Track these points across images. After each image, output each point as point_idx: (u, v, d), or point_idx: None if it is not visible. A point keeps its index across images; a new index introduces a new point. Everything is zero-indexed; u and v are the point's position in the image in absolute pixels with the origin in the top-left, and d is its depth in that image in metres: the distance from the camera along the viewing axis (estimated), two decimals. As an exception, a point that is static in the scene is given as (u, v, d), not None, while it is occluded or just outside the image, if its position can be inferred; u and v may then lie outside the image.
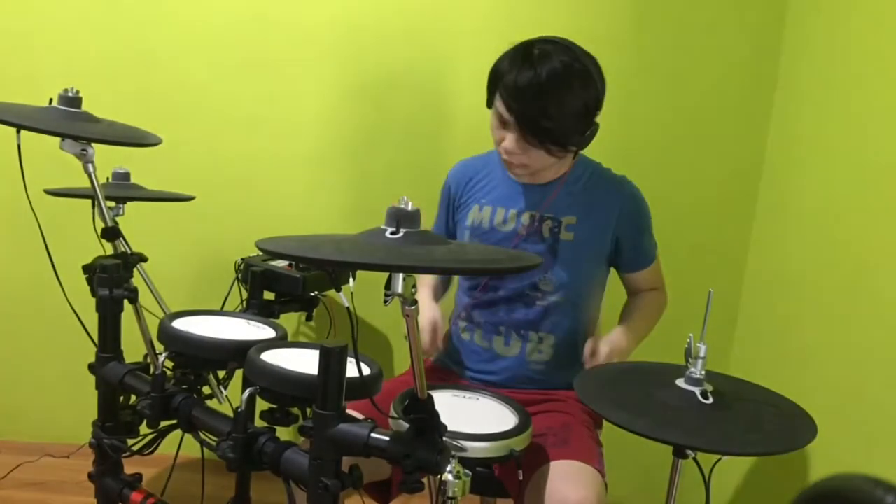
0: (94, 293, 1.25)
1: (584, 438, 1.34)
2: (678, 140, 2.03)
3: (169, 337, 1.16)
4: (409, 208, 0.84)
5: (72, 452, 2.17)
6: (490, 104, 1.39)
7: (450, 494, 0.99)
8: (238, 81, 2.07)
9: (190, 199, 1.73)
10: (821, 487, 0.55)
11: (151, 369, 1.25)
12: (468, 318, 1.53)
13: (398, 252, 0.81)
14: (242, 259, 1.82)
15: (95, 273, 1.23)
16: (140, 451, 1.26)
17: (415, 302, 0.85)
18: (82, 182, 1.26)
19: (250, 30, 2.04)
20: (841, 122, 1.63)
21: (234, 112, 2.08)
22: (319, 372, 0.90)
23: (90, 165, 1.23)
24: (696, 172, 2.04)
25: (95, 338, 1.28)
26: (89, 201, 1.32)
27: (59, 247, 1.32)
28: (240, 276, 1.81)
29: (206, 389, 1.25)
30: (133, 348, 1.31)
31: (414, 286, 0.84)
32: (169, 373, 1.18)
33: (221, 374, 1.31)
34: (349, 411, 0.94)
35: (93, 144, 1.22)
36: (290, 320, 2.13)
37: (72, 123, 1.22)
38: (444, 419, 0.94)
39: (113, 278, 1.23)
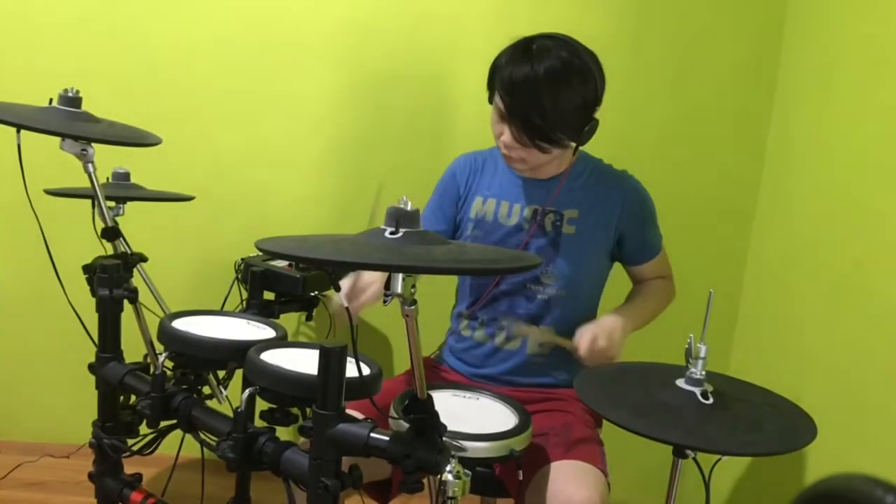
0: (94, 293, 1.25)
1: (585, 438, 1.34)
2: (678, 140, 2.03)
3: (169, 337, 1.16)
4: (409, 208, 0.84)
5: (72, 452, 2.17)
6: (491, 99, 1.39)
7: (450, 494, 0.99)
8: (238, 81, 2.06)
9: (190, 199, 1.72)
10: (820, 487, 0.55)
11: (151, 369, 1.24)
12: (471, 315, 1.53)
13: (398, 252, 0.81)
14: (242, 259, 1.82)
15: (95, 273, 1.23)
16: (140, 451, 1.26)
17: (414, 302, 0.85)
18: (82, 182, 1.26)
19: (250, 30, 2.04)
20: (841, 122, 1.63)
21: (234, 112, 2.08)
22: (319, 372, 0.90)
23: (90, 165, 1.23)
24: (696, 172, 2.04)
25: (95, 338, 1.28)
26: (89, 201, 1.32)
27: (59, 247, 1.32)
28: (240, 276, 1.81)
29: (206, 389, 1.25)
30: (133, 348, 1.31)
31: (413, 286, 0.84)
32: (169, 373, 1.18)
33: (221, 374, 1.31)
34: (349, 411, 0.94)
35: (93, 144, 1.22)
36: (290, 320, 2.12)
37: (72, 123, 1.22)
38: (444, 419, 0.94)
39: (113, 278, 1.23)
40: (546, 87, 1.29)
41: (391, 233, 0.83)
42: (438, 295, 1.66)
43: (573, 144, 1.41)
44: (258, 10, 2.03)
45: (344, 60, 2.05)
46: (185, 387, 1.17)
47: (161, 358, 1.14)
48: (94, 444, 1.29)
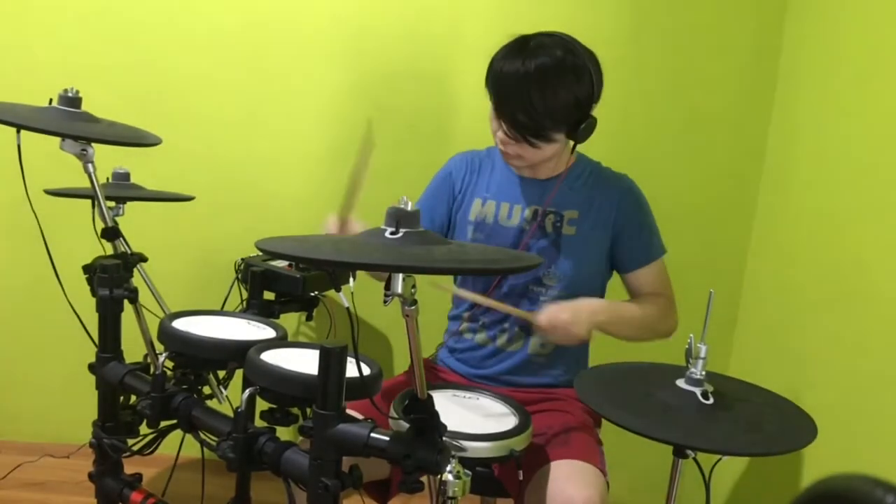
0: (94, 293, 1.25)
1: (585, 438, 1.34)
2: (678, 140, 2.03)
3: (169, 337, 1.16)
4: (409, 208, 0.84)
5: (72, 452, 2.17)
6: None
7: (450, 494, 0.99)
8: (238, 82, 2.07)
9: (190, 199, 1.73)
10: (821, 487, 0.55)
11: (151, 369, 1.24)
12: (472, 318, 1.52)
13: (397, 252, 0.81)
14: (242, 259, 1.82)
15: (95, 273, 1.23)
16: (140, 451, 1.26)
17: (415, 302, 0.85)
18: (82, 182, 1.26)
19: (250, 30, 2.04)
20: (841, 122, 1.63)
21: (235, 112, 2.08)
22: (319, 372, 0.90)
23: (90, 165, 1.23)
24: (696, 172, 2.04)
25: (95, 338, 1.28)
26: (89, 201, 1.32)
27: (59, 247, 1.32)
28: (240, 276, 1.81)
29: (206, 389, 1.25)
30: (133, 348, 1.31)
31: (414, 286, 0.84)
32: (169, 373, 1.18)
33: (221, 374, 1.31)
34: (349, 411, 0.94)
35: (93, 144, 1.22)
36: (290, 320, 2.12)
37: (72, 123, 1.22)
38: (444, 419, 0.94)
39: (113, 278, 1.23)
40: (535, 83, 1.29)
41: (391, 233, 0.83)
42: (439, 296, 1.66)
43: (569, 142, 1.41)
44: (258, 9, 2.03)
45: (344, 60, 2.05)
46: (185, 387, 1.17)
47: (161, 358, 1.14)
48: (94, 444, 1.29)
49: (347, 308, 0.90)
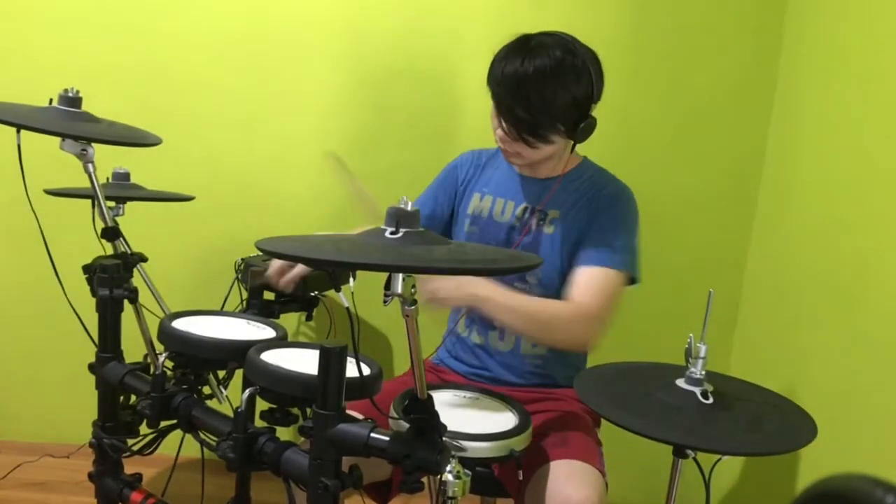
0: (94, 293, 1.25)
1: (584, 438, 1.34)
2: (678, 140, 2.03)
3: (169, 337, 1.16)
4: (409, 208, 0.84)
5: (72, 452, 2.17)
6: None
7: (450, 494, 0.99)
8: (238, 81, 2.06)
9: (190, 199, 1.73)
10: (821, 487, 0.55)
11: (151, 369, 1.24)
12: (468, 313, 1.53)
13: (397, 252, 0.81)
14: (242, 259, 1.82)
15: (95, 273, 1.23)
16: (140, 451, 1.26)
17: (415, 302, 0.85)
18: (82, 182, 1.26)
19: (250, 30, 2.04)
20: (841, 122, 1.63)
21: (235, 112, 2.08)
22: (319, 372, 0.90)
23: (90, 165, 1.23)
24: (696, 172, 2.04)
25: (95, 338, 1.28)
26: (89, 201, 1.32)
27: (59, 247, 1.32)
28: (240, 276, 1.81)
29: (206, 389, 1.25)
30: (133, 348, 1.31)
31: (414, 286, 0.84)
32: (169, 373, 1.18)
33: (221, 374, 1.31)
34: (349, 411, 0.94)
35: (93, 144, 1.22)
36: (290, 320, 2.12)
37: (72, 123, 1.22)
38: (444, 419, 0.94)
39: (113, 278, 1.23)
40: (534, 83, 1.30)
41: (391, 233, 0.83)
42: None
43: (569, 142, 1.41)
44: (258, 9, 2.03)
45: (344, 60, 2.05)
46: (185, 387, 1.17)
47: (161, 358, 1.14)
48: (94, 444, 1.29)
49: (347, 308, 0.90)
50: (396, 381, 1.53)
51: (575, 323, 1.32)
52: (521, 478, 1.17)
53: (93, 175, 1.23)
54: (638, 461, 1.89)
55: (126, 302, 1.25)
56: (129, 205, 1.54)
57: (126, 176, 1.63)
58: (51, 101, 1.25)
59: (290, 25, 2.03)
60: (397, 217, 0.83)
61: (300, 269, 1.51)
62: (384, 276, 0.82)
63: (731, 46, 1.97)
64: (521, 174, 1.50)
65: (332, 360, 0.89)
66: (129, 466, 1.33)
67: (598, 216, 1.41)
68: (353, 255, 0.80)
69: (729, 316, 2.08)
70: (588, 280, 1.35)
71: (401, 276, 0.82)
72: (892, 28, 1.45)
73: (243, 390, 1.02)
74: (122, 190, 1.59)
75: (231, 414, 1.03)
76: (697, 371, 1.14)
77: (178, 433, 1.21)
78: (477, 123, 1.91)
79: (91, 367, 1.29)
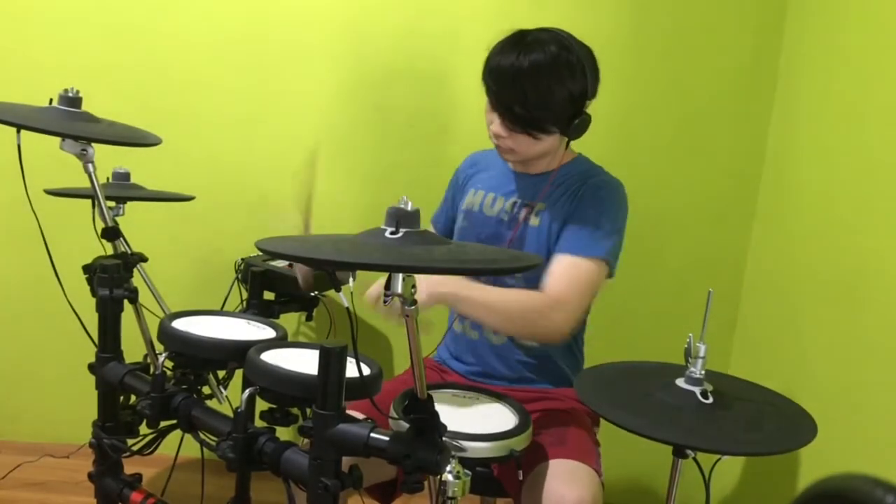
0: (94, 293, 1.25)
1: (581, 437, 1.34)
2: (678, 140, 2.03)
3: (169, 337, 1.16)
4: (409, 208, 0.84)
5: (72, 452, 2.17)
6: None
7: (450, 494, 0.99)
8: (238, 81, 2.06)
9: (190, 199, 1.73)
10: (821, 487, 0.55)
11: (151, 369, 1.24)
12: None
13: (397, 252, 0.81)
14: (242, 259, 1.83)
15: (95, 273, 1.23)
16: (140, 451, 1.25)
17: (415, 302, 0.85)
18: (82, 182, 1.26)
19: (250, 30, 2.04)
20: (841, 121, 1.63)
21: (235, 112, 2.08)
22: (319, 372, 0.90)
23: (90, 165, 1.23)
24: (696, 172, 2.04)
25: (95, 338, 1.28)
26: (89, 201, 1.32)
27: (59, 247, 1.32)
28: (240, 276, 1.81)
29: (206, 389, 1.25)
30: (133, 348, 1.31)
31: (414, 286, 0.84)
32: (169, 373, 1.18)
33: (221, 374, 1.31)
34: (349, 411, 0.94)
35: (93, 144, 1.22)
36: (290, 320, 2.12)
37: (72, 123, 1.22)
38: (444, 419, 0.94)
39: (113, 278, 1.23)
40: (528, 78, 1.30)
41: (391, 233, 0.83)
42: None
43: (563, 139, 1.40)
44: (258, 9, 2.03)
45: (344, 60, 2.05)
46: (185, 387, 1.17)
47: (161, 358, 1.14)
48: (94, 444, 1.29)
49: (347, 308, 0.90)
50: (396, 380, 1.53)
51: (546, 314, 1.30)
52: (521, 478, 1.17)
53: (93, 175, 1.23)
54: (638, 461, 1.89)
55: (126, 302, 1.25)
56: (130, 205, 1.54)
57: (126, 176, 1.63)
58: (51, 101, 1.25)
59: (290, 25, 2.03)
60: (397, 217, 0.83)
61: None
62: (384, 276, 0.82)
63: (731, 46, 1.97)
64: (514, 171, 1.50)
65: (331, 360, 0.89)
66: (129, 466, 1.33)
67: (581, 204, 1.39)
68: (353, 255, 0.80)
69: (729, 316, 2.08)
70: (563, 269, 1.33)
71: (400, 275, 0.82)
72: (892, 28, 1.45)
73: (243, 390, 1.02)
74: (122, 190, 1.59)
75: (231, 414, 1.03)
76: (697, 371, 1.13)
77: (177, 433, 1.20)
78: (477, 123, 1.89)
79: (91, 367, 1.29)
